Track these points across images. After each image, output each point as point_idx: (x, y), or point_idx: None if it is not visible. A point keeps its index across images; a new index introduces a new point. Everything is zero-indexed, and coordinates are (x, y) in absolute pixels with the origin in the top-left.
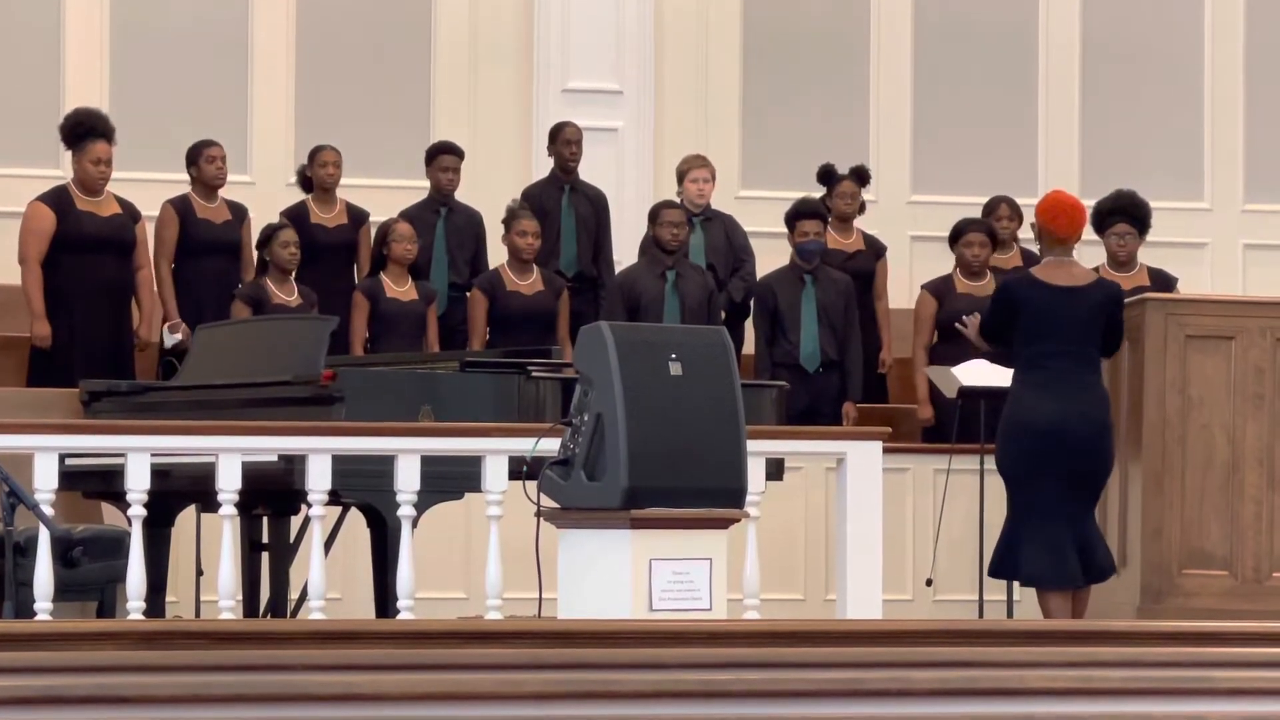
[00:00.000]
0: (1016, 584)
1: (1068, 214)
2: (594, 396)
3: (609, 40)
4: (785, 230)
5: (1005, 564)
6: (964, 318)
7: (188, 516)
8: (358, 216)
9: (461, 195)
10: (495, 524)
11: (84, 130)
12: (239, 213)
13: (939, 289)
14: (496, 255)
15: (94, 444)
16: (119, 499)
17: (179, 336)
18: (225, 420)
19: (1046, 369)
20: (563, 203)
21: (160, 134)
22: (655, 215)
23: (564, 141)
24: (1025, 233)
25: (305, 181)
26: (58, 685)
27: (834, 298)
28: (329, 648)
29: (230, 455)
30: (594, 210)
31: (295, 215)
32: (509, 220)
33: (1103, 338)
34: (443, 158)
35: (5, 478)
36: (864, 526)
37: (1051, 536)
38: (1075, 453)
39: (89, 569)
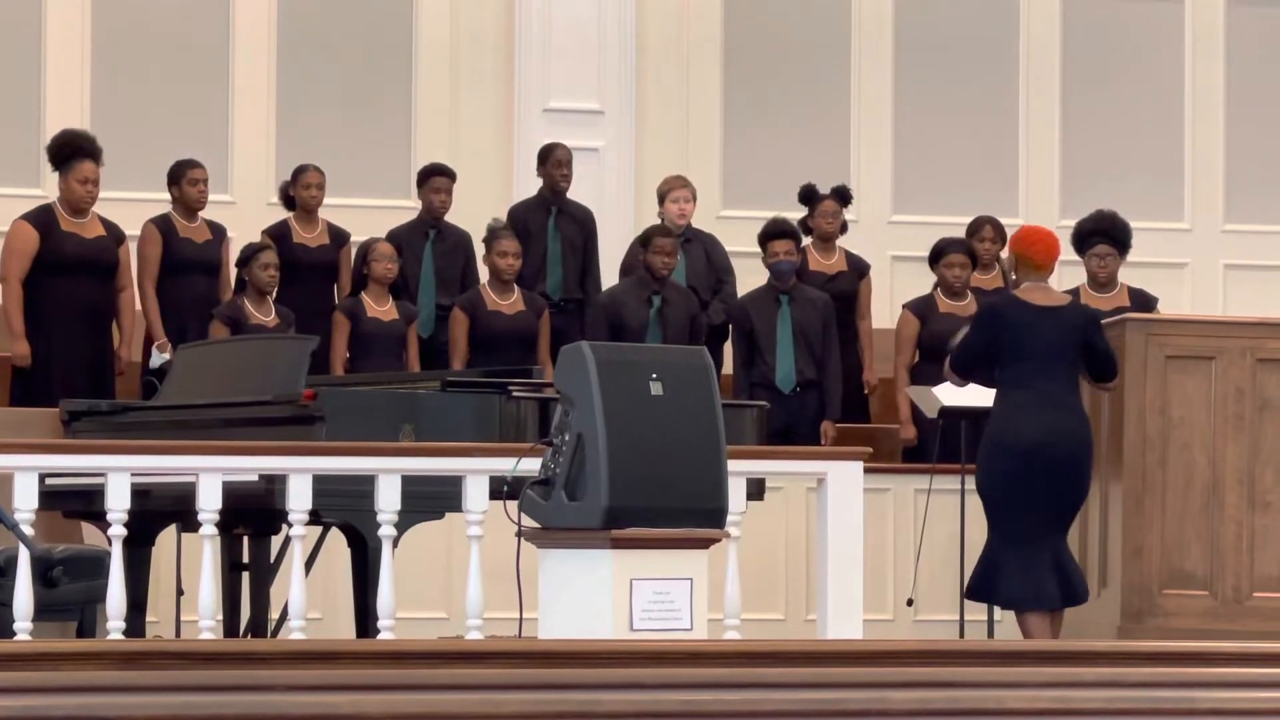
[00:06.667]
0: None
1: (1044, 242)
2: (575, 416)
3: (590, 60)
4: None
5: (983, 587)
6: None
7: (168, 536)
8: (339, 236)
9: (445, 216)
10: (476, 544)
11: (71, 150)
12: (219, 232)
13: (921, 309)
14: (485, 278)
15: (74, 463)
16: (99, 519)
17: (166, 356)
18: (206, 440)
19: (1029, 388)
20: (549, 226)
21: (141, 153)
22: (647, 241)
23: (555, 163)
24: (1004, 253)
25: (288, 200)
26: (37, 705)
27: (811, 318)
28: (309, 668)
29: (211, 475)
30: (581, 232)
31: (277, 234)
32: (489, 240)
33: (1089, 364)
34: (435, 179)
35: None
36: (845, 546)
37: (1031, 558)
38: (1057, 473)
39: (69, 589)
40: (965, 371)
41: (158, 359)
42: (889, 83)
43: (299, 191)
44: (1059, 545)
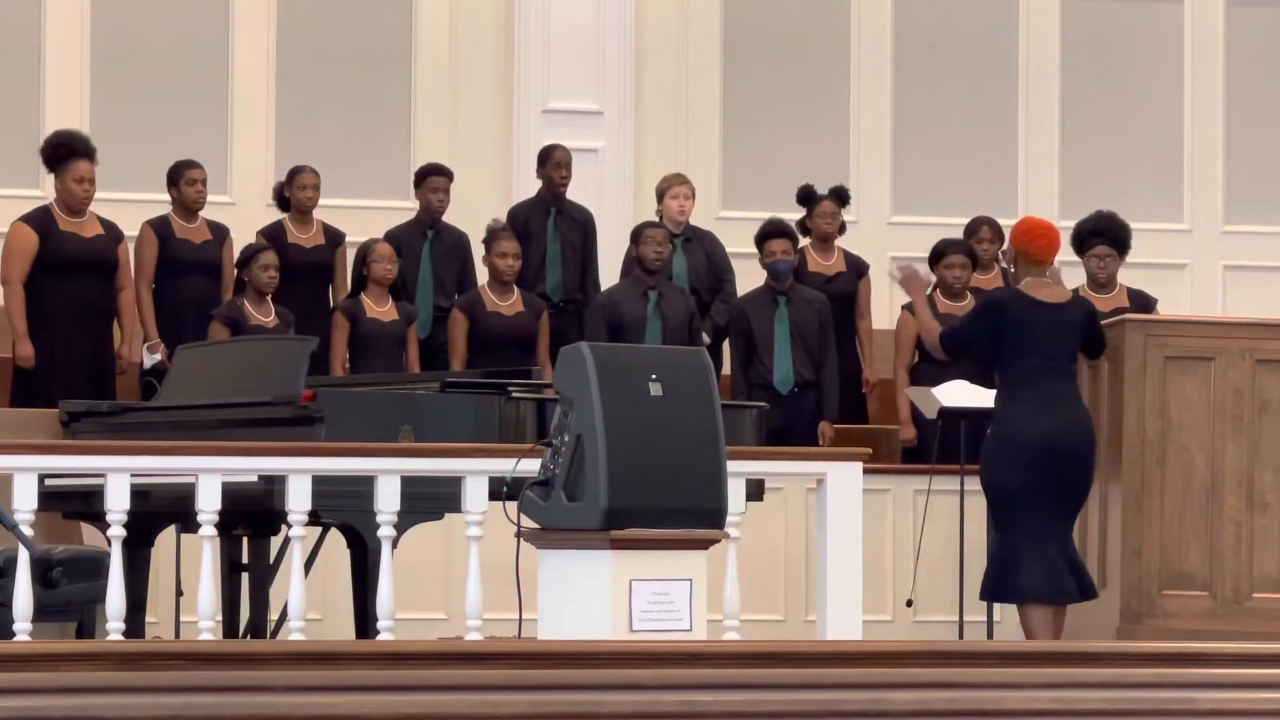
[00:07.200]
0: (997, 605)
1: (1045, 236)
2: (574, 417)
3: (589, 61)
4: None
5: (1003, 586)
6: (895, 267)
7: (167, 537)
8: (334, 237)
9: (443, 216)
10: (475, 544)
11: (66, 151)
12: (219, 233)
13: None
14: (483, 279)
15: (74, 464)
16: (99, 519)
17: (158, 356)
18: (205, 440)
19: (1034, 384)
20: (548, 227)
21: (140, 154)
22: (638, 235)
23: (554, 165)
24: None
25: (283, 201)
26: (37, 706)
27: (808, 318)
28: (309, 669)
29: (210, 476)
30: (581, 233)
31: (272, 235)
32: (489, 241)
33: (1085, 350)
34: (432, 179)
35: None
36: (844, 547)
37: (1046, 552)
38: (1067, 467)
39: (68, 589)
40: (954, 354)
41: (149, 360)
42: (888, 83)
43: (295, 193)
44: (1067, 541)
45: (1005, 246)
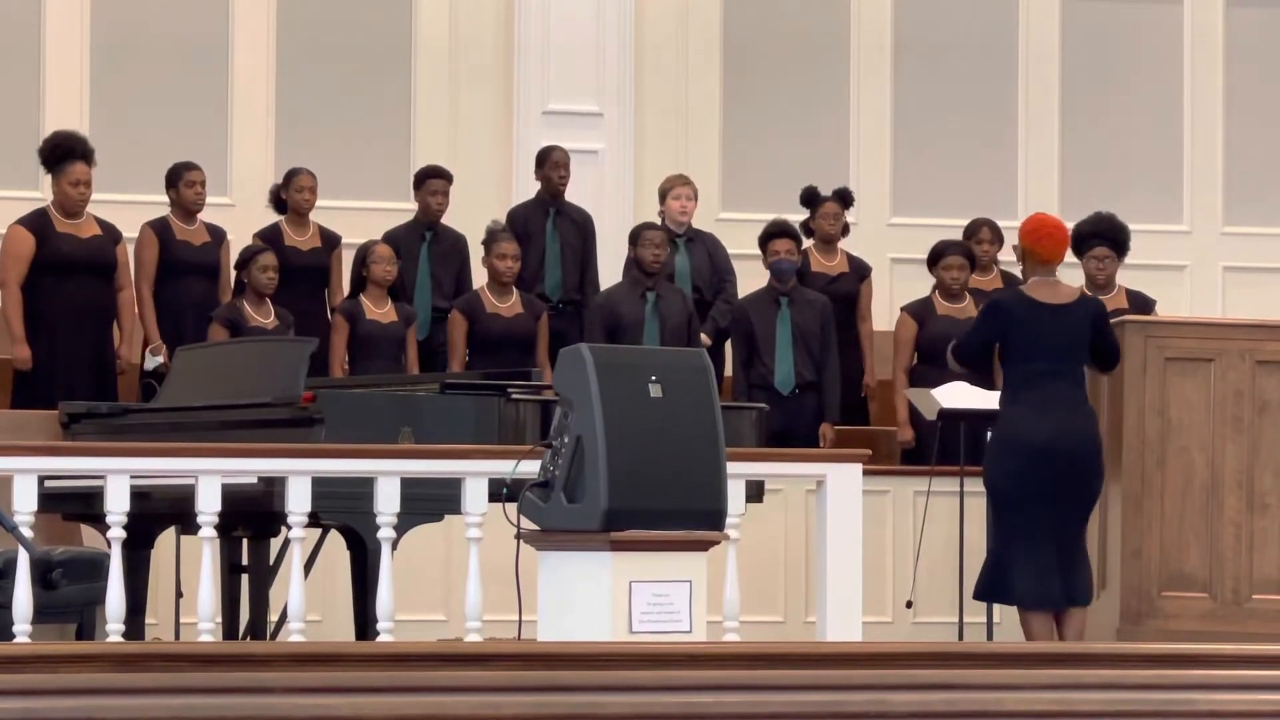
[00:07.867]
0: (997, 606)
1: (1051, 235)
2: (574, 419)
3: (589, 62)
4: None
5: (995, 586)
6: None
7: (167, 538)
8: (330, 240)
9: (443, 218)
10: (475, 546)
11: (62, 153)
12: (217, 235)
13: (919, 311)
14: (481, 280)
15: (73, 466)
16: (99, 521)
17: (160, 359)
18: (205, 442)
19: (1038, 387)
20: (547, 228)
21: (140, 155)
22: (636, 237)
23: (552, 165)
24: (1006, 254)
25: (279, 203)
26: (36, 708)
27: (810, 320)
28: (308, 670)
29: (210, 477)
30: (579, 234)
31: (269, 237)
32: (488, 243)
33: (1094, 354)
34: (431, 181)
35: None
36: (844, 549)
37: (1041, 557)
38: (1070, 471)
39: (68, 591)
40: (967, 362)
41: (151, 362)
42: (888, 84)
43: (291, 195)
44: (1069, 544)
45: (1016, 244)
